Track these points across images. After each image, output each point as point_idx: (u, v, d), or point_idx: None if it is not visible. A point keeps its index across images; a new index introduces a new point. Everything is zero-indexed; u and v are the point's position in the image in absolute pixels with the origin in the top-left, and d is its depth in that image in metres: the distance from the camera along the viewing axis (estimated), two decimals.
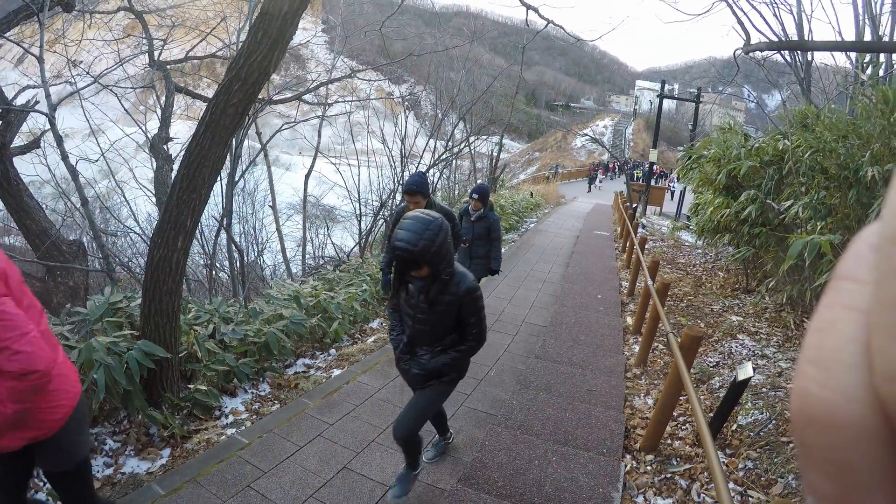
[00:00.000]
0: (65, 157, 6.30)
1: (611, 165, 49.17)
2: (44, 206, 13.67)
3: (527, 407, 4.68)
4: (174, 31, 10.34)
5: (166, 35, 9.85)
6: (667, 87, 29.41)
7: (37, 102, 7.27)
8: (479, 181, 22.39)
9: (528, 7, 8.02)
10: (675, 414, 4.61)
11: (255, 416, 4.62)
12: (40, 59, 6.37)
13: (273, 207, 13.62)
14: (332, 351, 6.18)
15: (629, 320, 7.69)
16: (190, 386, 4.52)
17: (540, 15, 8.24)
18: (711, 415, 4.34)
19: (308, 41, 16.37)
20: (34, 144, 8.05)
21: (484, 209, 6.32)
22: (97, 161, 8.43)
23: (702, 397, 5.21)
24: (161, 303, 4.17)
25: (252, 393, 5.02)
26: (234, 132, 4.11)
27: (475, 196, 6.37)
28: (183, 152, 4.55)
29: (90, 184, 11.20)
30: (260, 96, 9.51)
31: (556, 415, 4.55)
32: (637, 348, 6.38)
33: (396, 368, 3.29)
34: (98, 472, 3.71)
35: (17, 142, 7.75)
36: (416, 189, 4.76)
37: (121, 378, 3.78)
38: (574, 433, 4.28)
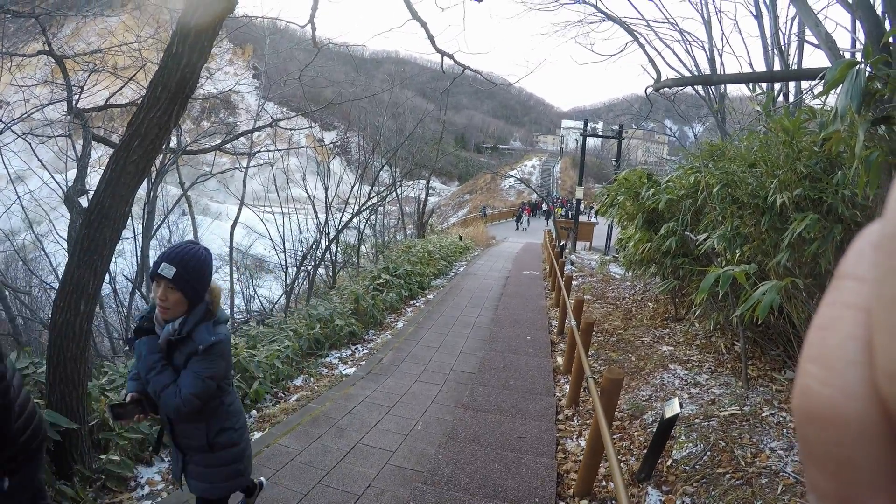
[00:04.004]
0: None
1: (539, 203, 49.60)
2: None
3: (454, 461, 4.55)
4: (93, 77, 10.00)
5: (84, 81, 9.52)
6: (591, 124, 30.34)
7: None
8: (408, 228, 22.26)
9: (444, 54, 8.13)
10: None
11: (171, 487, 4.38)
12: None
13: None
14: (254, 412, 5.94)
15: (560, 360, 7.66)
16: (102, 456, 4.28)
17: (455, 61, 8.36)
18: (645, 451, 4.32)
19: (231, 88, 16.19)
20: None
21: (190, 316, 2.64)
22: (1, 217, 8.04)
23: (636, 433, 5.19)
24: (66, 370, 3.97)
25: (167, 461, 4.73)
26: (136, 188, 3.95)
27: (169, 280, 2.53)
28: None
29: (8, 237, 10.70)
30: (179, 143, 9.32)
31: (485, 466, 4.44)
32: (568, 388, 6.33)
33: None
34: None
35: None
36: None
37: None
38: (503, 485, 4.17)
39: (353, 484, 4.29)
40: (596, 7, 13.23)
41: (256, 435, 5.29)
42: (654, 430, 4.23)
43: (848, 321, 0.24)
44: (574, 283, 12.73)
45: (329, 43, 9.30)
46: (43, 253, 9.77)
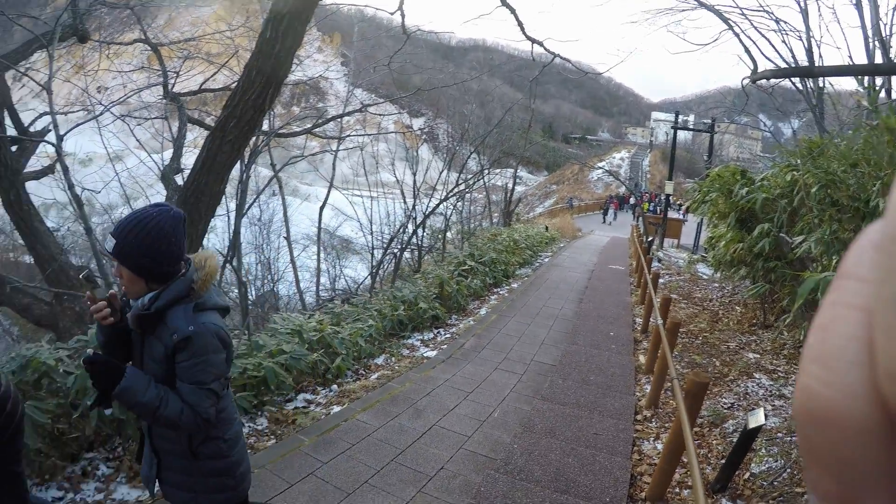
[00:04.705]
0: (70, 186, 6.38)
1: (626, 196, 48.30)
2: (65, 228, 13.89)
3: (528, 451, 4.54)
4: (187, 64, 10.51)
5: (179, 67, 10.02)
6: (682, 117, 29.42)
7: (49, 131, 7.43)
8: (494, 216, 22.20)
9: (533, 41, 8.04)
10: (684, 460, 4.42)
11: (249, 451, 4.53)
12: (48, 90, 6.50)
13: (287, 238, 13.63)
14: (335, 387, 6.09)
15: (642, 359, 7.48)
16: None
17: (545, 49, 8.24)
18: (723, 461, 4.17)
19: (321, 75, 16.59)
20: (48, 170, 8.30)
21: (165, 291, 2.15)
22: (101, 192, 8.51)
23: (714, 442, 5.03)
24: None
25: (249, 427, 4.95)
26: (230, 167, 4.10)
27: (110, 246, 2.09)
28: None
29: (107, 210, 11.34)
30: (271, 127, 9.65)
31: (559, 460, 4.40)
32: (649, 388, 6.18)
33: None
34: (89, 496, 3.73)
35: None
36: None
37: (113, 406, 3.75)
38: (576, 480, 4.12)
39: (426, 465, 4.34)
40: None
41: (336, 409, 5.44)
42: (735, 439, 4.09)
43: (849, 321, 0.24)
44: (660, 280, 12.43)
45: (418, 30, 9.32)
46: None
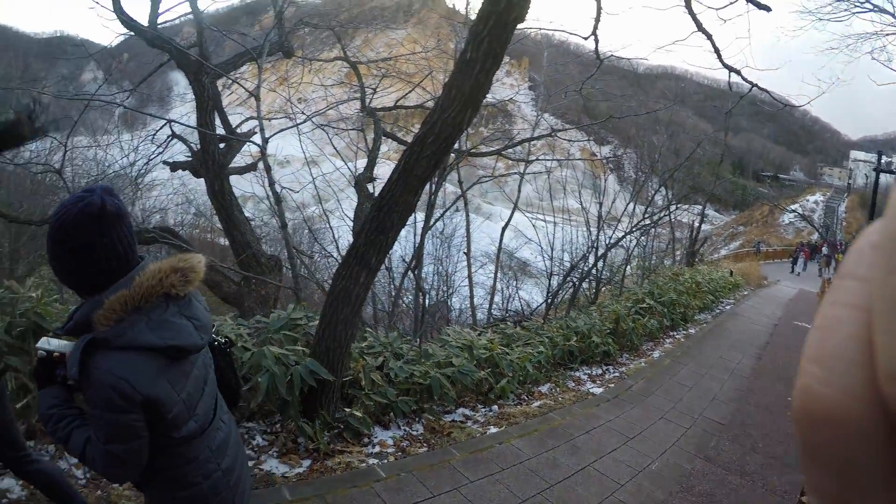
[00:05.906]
0: (271, 183, 7.07)
1: (819, 245, 43.87)
2: (261, 220, 15.34)
3: None
4: (384, 82, 11.25)
5: (376, 84, 10.74)
6: (885, 158, 26.39)
7: (255, 133, 8.25)
8: (677, 254, 21.22)
9: (731, 69, 7.59)
10: None
11: (400, 453, 4.70)
12: (257, 97, 7.25)
13: (467, 254, 13.98)
14: (495, 407, 6.11)
15: None
16: (347, 409, 4.73)
17: (743, 78, 7.77)
18: None
19: (511, 98, 16.90)
20: (251, 167, 9.22)
21: (78, 312, 1.65)
22: (298, 192, 9.28)
23: None
24: (335, 329, 4.46)
25: (404, 430, 5.13)
26: (425, 182, 4.28)
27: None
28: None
29: (300, 208, 12.32)
30: (461, 147, 10.03)
31: None
32: None
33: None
34: None
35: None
36: None
37: (282, 387, 4.09)
38: None
39: None
40: (894, 16, 11.43)
41: (492, 429, 5.46)
42: None
43: (849, 321, 0.24)
44: None
45: (611, 55, 9.17)
46: (327, 225, 11.05)
